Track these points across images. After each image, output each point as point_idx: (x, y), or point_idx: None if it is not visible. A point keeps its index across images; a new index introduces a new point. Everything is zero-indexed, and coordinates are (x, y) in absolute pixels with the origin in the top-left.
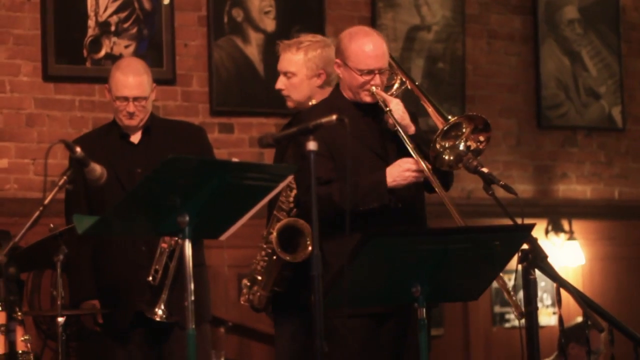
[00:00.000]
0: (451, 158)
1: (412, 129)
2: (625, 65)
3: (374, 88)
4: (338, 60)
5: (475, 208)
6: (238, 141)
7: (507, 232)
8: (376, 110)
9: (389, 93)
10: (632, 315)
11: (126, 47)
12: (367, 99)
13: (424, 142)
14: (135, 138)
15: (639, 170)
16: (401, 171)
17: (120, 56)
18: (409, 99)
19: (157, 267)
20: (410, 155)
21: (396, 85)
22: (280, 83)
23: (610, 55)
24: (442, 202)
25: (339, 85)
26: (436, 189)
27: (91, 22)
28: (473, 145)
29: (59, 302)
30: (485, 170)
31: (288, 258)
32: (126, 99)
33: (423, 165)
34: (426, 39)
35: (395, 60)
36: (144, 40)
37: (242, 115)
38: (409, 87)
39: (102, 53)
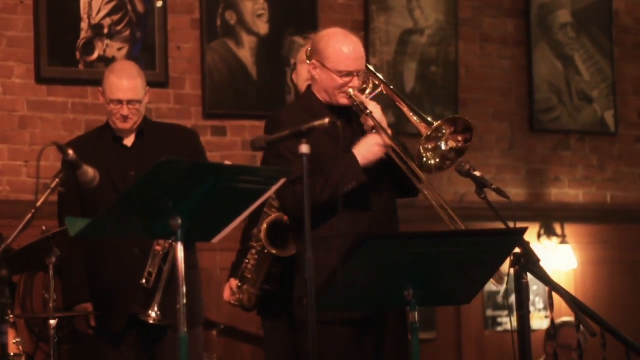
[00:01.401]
0: (437, 160)
1: (389, 131)
2: (618, 70)
3: (351, 90)
4: (315, 62)
5: (467, 212)
6: (231, 144)
7: (500, 235)
8: (348, 114)
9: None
10: (624, 319)
11: (119, 49)
12: (344, 101)
13: (401, 144)
14: (129, 141)
15: (631, 175)
16: (370, 146)
17: (113, 59)
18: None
19: (150, 269)
20: (392, 161)
21: (368, 91)
22: (300, 70)
23: (603, 59)
24: (432, 205)
25: (311, 87)
26: (399, 163)
27: (84, 25)
28: (453, 144)
29: (51, 305)
30: (477, 173)
31: (274, 252)
32: (120, 102)
33: (388, 139)
34: (419, 42)
35: (367, 65)
36: (137, 43)
37: (234, 118)
38: (384, 91)
39: (95, 55)
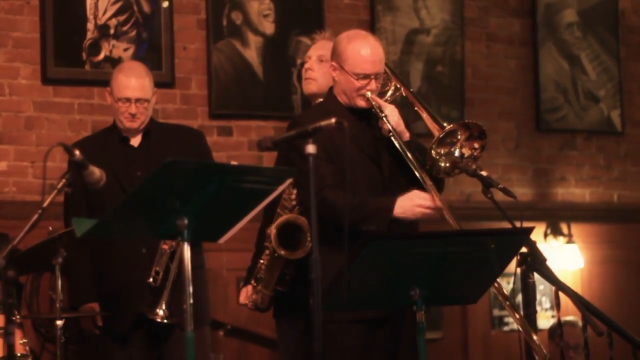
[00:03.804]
0: (447, 165)
1: (406, 135)
2: (625, 69)
3: (369, 93)
4: (334, 63)
5: (474, 211)
6: (237, 144)
7: (506, 235)
8: (370, 116)
9: (383, 99)
10: (631, 319)
11: (125, 50)
12: (362, 103)
13: (418, 149)
14: (135, 141)
15: (638, 174)
16: (412, 205)
17: (119, 59)
18: (403, 106)
19: (157, 268)
20: (404, 162)
21: (390, 92)
22: (312, 64)
23: (609, 59)
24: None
25: (333, 89)
26: (449, 220)
27: (90, 25)
28: (467, 152)
29: (57, 305)
30: (484, 173)
31: (282, 253)
32: (128, 100)
33: (437, 201)
34: (425, 42)
35: (390, 67)
36: (143, 43)
37: (241, 118)
38: (404, 94)
39: (101, 56)
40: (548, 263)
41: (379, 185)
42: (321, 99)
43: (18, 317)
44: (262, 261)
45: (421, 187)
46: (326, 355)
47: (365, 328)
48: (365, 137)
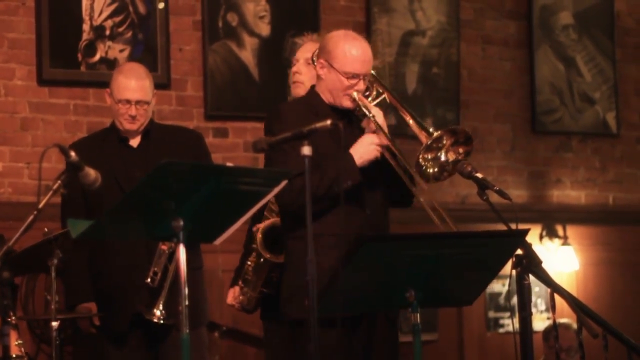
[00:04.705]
0: (435, 170)
1: (389, 138)
2: (620, 71)
3: (355, 94)
4: (322, 61)
5: (469, 213)
6: (232, 146)
7: (502, 237)
8: (350, 116)
9: None
10: (626, 321)
11: (121, 51)
12: (347, 103)
13: (400, 152)
14: (134, 142)
15: (633, 176)
16: (366, 147)
17: (115, 60)
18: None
19: (155, 269)
20: (388, 166)
21: (369, 98)
22: (300, 67)
23: (604, 61)
24: (432, 207)
25: (316, 86)
26: (395, 166)
27: (86, 26)
28: (452, 157)
29: (52, 307)
30: (479, 175)
31: (267, 256)
32: (129, 101)
33: (384, 138)
34: (421, 44)
35: (373, 73)
36: (139, 45)
37: (236, 119)
38: (388, 100)
39: (97, 57)
40: (543, 265)
41: (356, 184)
42: None
43: (13, 318)
44: (249, 262)
45: (399, 187)
46: (303, 356)
47: (340, 327)
48: (346, 137)
